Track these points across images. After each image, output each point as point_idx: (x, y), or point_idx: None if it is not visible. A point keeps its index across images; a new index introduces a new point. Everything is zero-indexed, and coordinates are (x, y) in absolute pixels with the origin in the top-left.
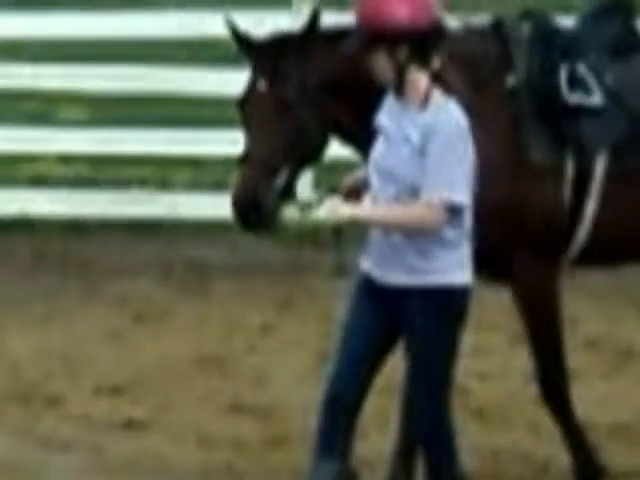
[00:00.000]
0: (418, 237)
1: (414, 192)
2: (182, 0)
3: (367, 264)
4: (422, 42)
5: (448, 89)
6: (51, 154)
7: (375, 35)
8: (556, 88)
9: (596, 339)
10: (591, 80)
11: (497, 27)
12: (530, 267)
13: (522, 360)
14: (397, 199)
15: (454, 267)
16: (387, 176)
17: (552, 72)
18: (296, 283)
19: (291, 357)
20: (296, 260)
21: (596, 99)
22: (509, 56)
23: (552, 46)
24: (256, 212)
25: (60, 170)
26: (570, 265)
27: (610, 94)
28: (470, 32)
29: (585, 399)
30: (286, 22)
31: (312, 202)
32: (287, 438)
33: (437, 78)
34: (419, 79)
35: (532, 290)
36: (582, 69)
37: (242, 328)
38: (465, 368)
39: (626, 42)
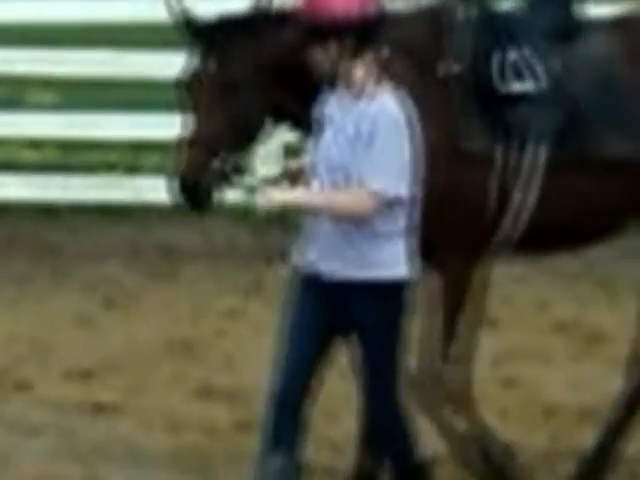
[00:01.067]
0: (353, 231)
1: (349, 181)
2: None
3: (304, 259)
4: (357, 34)
5: (392, 77)
6: (21, 138)
7: (310, 28)
8: (489, 74)
9: (565, 322)
10: (531, 67)
11: (435, 12)
12: (453, 256)
13: (490, 343)
14: (335, 186)
15: (392, 261)
16: (329, 165)
17: (486, 58)
18: (265, 267)
19: (260, 341)
20: (265, 244)
21: (535, 85)
22: (444, 41)
23: (488, 31)
24: (195, 192)
25: (30, 154)
26: (503, 252)
27: (550, 80)
28: (407, 17)
29: (554, 382)
30: None
31: (256, 185)
32: (257, 422)
33: (384, 67)
34: (355, 70)
35: (452, 277)
36: (518, 55)
37: (211, 312)
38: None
39: (565, 28)
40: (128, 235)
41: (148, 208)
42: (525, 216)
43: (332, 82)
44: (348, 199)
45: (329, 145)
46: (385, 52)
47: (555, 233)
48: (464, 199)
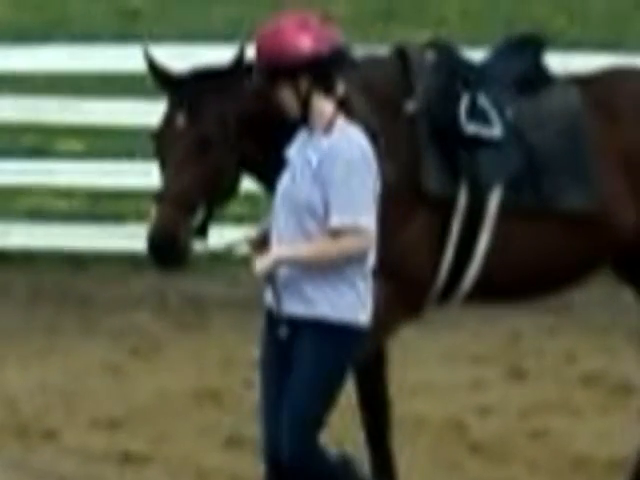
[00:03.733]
0: (316, 270)
1: (316, 217)
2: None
3: (268, 295)
4: (323, 71)
5: (352, 115)
6: (49, 187)
7: (275, 68)
8: (454, 117)
9: (594, 374)
10: (492, 112)
11: (400, 55)
12: (381, 299)
13: (519, 394)
14: (300, 226)
15: (348, 303)
16: (291, 206)
17: (451, 101)
18: None
19: None
20: None
21: (495, 131)
22: (410, 83)
23: (454, 75)
24: (170, 250)
25: (58, 203)
26: (465, 299)
27: (510, 128)
28: (373, 60)
29: (583, 434)
30: None
31: (235, 243)
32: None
33: (342, 104)
34: (324, 107)
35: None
36: (483, 101)
37: (239, 362)
38: (462, 402)
39: (533, 77)
40: (156, 285)
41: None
42: (491, 262)
43: (300, 120)
44: (345, 242)
45: (291, 184)
46: (342, 88)
47: (509, 281)
48: (417, 241)
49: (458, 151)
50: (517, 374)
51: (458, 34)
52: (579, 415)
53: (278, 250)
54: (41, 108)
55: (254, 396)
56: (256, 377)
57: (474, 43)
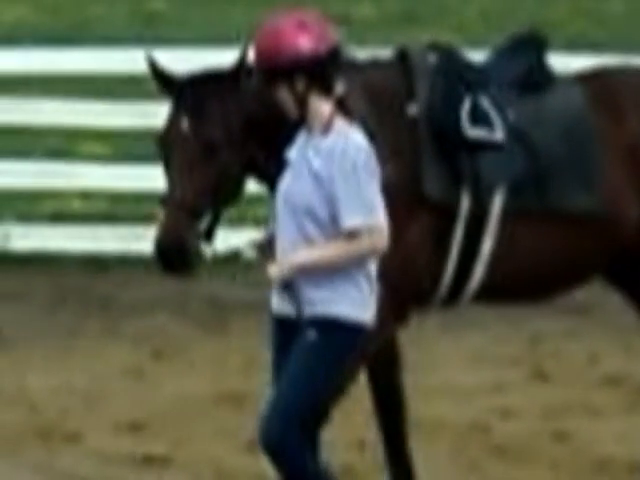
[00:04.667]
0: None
1: (315, 220)
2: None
3: (275, 299)
4: (321, 71)
5: (351, 116)
6: (71, 189)
7: (271, 68)
8: (456, 121)
9: (616, 375)
10: (494, 115)
11: (402, 57)
12: (382, 302)
13: (542, 396)
14: (300, 229)
15: (347, 300)
16: (291, 208)
17: (453, 104)
18: None
19: None
20: None
21: (497, 134)
22: (412, 86)
23: (456, 78)
24: (180, 257)
25: (80, 205)
26: (469, 301)
27: (512, 130)
28: (376, 63)
29: (605, 435)
30: None
31: (241, 249)
32: None
33: (341, 105)
34: (322, 107)
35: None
36: (486, 103)
37: (260, 364)
38: (485, 404)
39: (536, 77)
40: (177, 287)
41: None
42: (495, 266)
43: (299, 120)
44: (361, 242)
45: (291, 186)
46: (341, 88)
47: (514, 283)
48: (418, 246)
49: (460, 155)
50: (539, 376)
51: (478, 36)
52: (601, 416)
53: (296, 256)
54: (61, 110)
55: None
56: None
57: (494, 45)
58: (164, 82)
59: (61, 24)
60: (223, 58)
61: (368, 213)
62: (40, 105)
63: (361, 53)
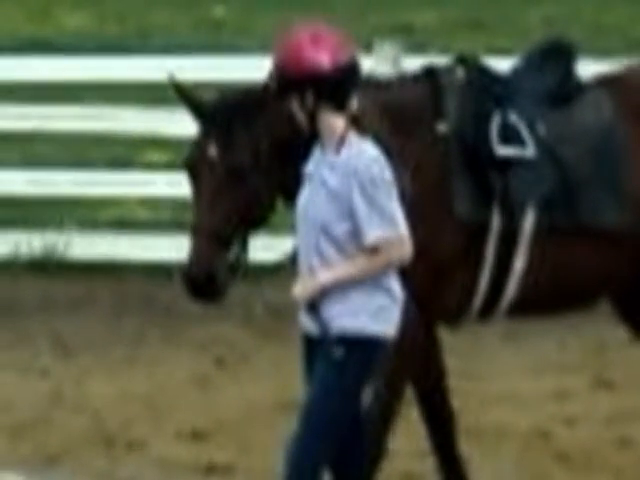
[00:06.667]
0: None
1: (329, 237)
2: None
3: (303, 317)
4: (330, 86)
5: (365, 132)
6: (134, 197)
7: (282, 81)
8: (486, 139)
9: None
10: (524, 130)
11: (430, 74)
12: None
13: (606, 403)
14: (315, 246)
15: (365, 314)
16: (310, 222)
17: (483, 121)
18: None
19: None
20: None
21: (528, 151)
22: (440, 103)
23: (485, 93)
24: (208, 285)
25: (143, 213)
26: (503, 317)
27: (542, 145)
28: (402, 79)
29: None
30: (367, 65)
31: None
32: None
33: (355, 121)
34: (335, 123)
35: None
36: (515, 118)
37: None
38: (548, 412)
39: (565, 89)
40: (242, 295)
41: (260, 267)
42: (527, 283)
43: (312, 134)
44: (384, 255)
45: (308, 203)
46: (355, 104)
47: (544, 298)
48: (449, 265)
49: (491, 172)
50: (603, 383)
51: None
52: None
53: (322, 277)
54: (125, 118)
55: None
56: None
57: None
58: (191, 107)
59: (124, 32)
60: None
61: (389, 225)
62: (102, 113)
63: (421, 61)
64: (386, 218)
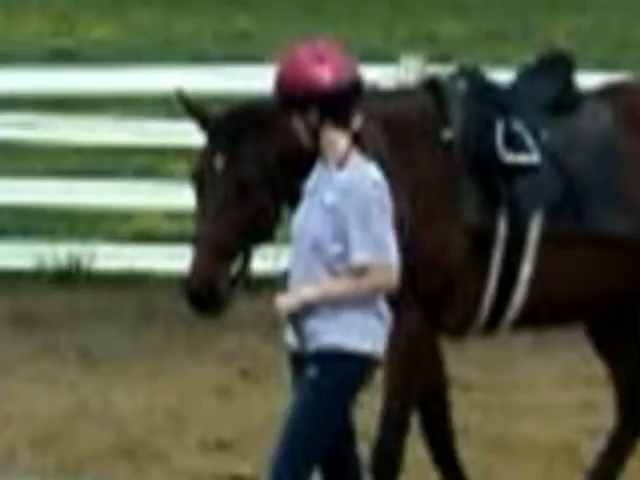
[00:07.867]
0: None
1: (320, 255)
2: None
3: (288, 333)
4: (333, 104)
5: (365, 149)
6: (160, 208)
7: (283, 97)
8: (492, 146)
9: None
10: (528, 137)
11: (432, 85)
12: (413, 324)
13: None
14: (306, 264)
15: (352, 331)
16: (303, 238)
17: (488, 129)
18: None
19: None
20: None
21: (533, 158)
22: (444, 112)
23: (488, 102)
24: (210, 297)
25: (168, 225)
26: (509, 326)
27: (547, 152)
28: (403, 90)
29: None
30: (393, 77)
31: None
32: None
33: (357, 138)
34: (337, 140)
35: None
36: (518, 125)
37: None
38: (575, 424)
39: (566, 98)
40: (264, 306)
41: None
42: (534, 290)
43: (315, 152)
44: (370, 279)
45: (303, 219)
46: (358, 122)
47: (550, 307)
48: (455, 273)
49: (497, 179)
50: None
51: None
52: None
53: (305, 291)
54: (148, 130)
55: (363, 418)
56: (365, 399)
57: (582, 64)
58: (198, 120)
59: (149, 43)
60: None
61: (378, 250)
62: (125, 124)
63: (445, 70)
64: (377, 243)
